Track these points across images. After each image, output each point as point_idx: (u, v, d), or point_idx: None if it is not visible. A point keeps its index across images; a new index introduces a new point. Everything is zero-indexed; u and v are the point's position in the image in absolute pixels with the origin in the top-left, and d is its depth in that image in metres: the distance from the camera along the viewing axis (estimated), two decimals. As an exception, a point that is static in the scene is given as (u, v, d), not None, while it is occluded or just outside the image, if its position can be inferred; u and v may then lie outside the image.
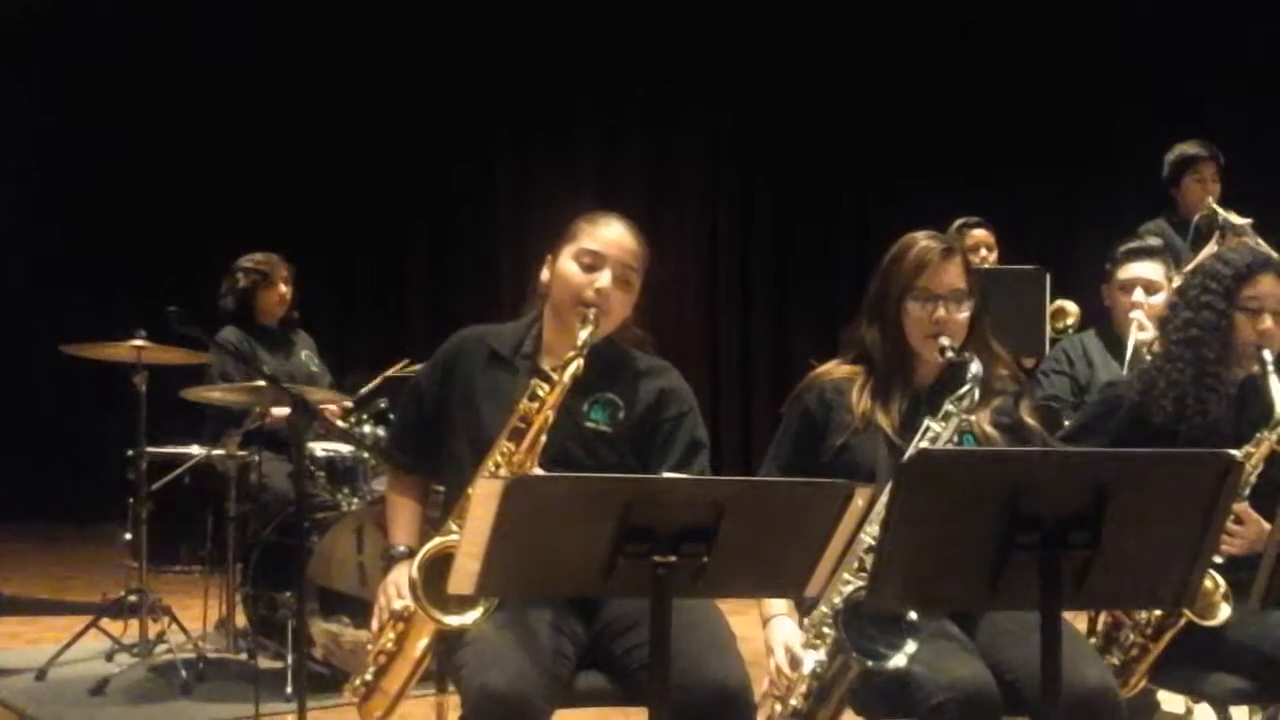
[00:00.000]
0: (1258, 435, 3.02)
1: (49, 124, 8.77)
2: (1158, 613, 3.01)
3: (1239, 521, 2.99)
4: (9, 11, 8.45)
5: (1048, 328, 5.15)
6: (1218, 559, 2.91)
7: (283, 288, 5.61)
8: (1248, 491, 3.00)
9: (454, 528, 2.76)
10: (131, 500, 5.05)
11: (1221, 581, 2.95)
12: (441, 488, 3.15)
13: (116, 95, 8.97)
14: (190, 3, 8.96)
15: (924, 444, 2.74)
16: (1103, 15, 8.75)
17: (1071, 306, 5.34)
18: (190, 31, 8.97)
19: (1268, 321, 3.15)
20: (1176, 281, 3.97)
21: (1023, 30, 9.14)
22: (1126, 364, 4.18)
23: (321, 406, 5.07)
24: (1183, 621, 2.98)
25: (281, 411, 5.15)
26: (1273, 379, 3.05)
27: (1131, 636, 3.05)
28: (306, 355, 5.72)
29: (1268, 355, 3.08)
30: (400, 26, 9.26)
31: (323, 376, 5.73)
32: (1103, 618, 3.20)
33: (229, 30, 8.94)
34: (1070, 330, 5.22)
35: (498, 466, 2.77)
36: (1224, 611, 2.95)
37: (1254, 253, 3.35)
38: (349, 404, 5.30)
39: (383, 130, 9.34)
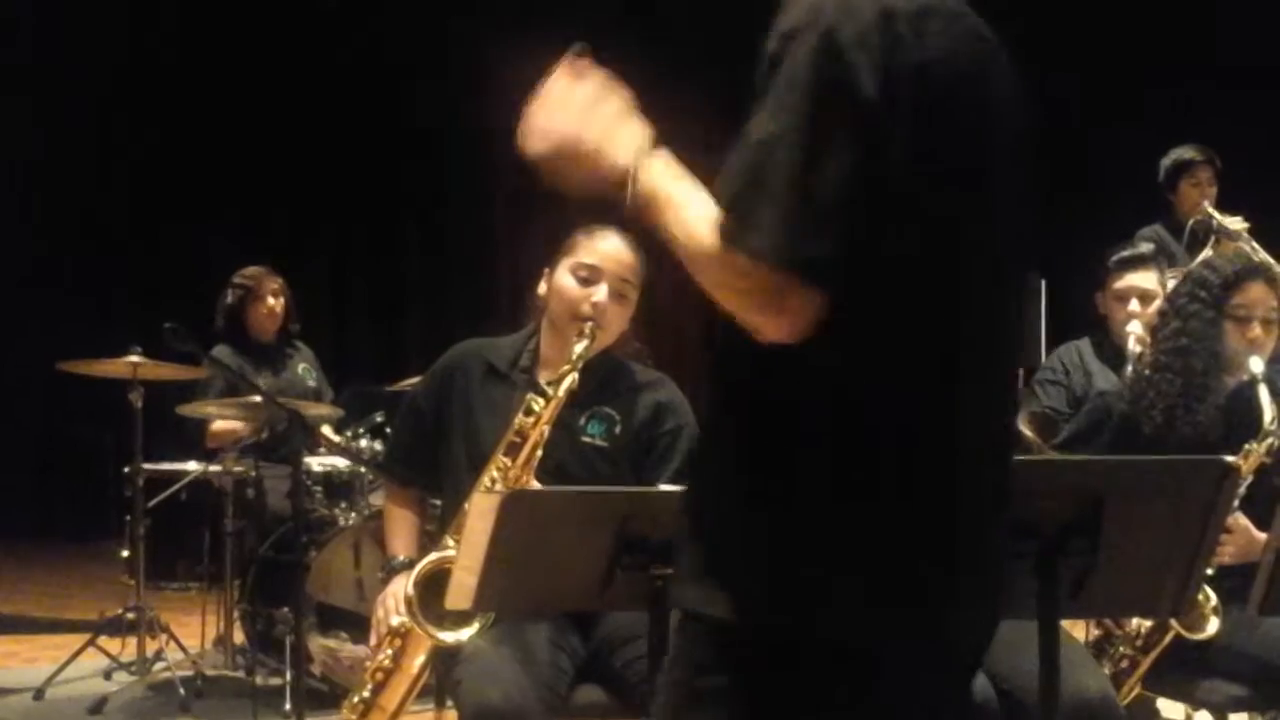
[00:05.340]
0: (1246, 447, 3.01)
1: (44, 138, 8.78)
2: (1148, 624, 3.01)
3: (1228, 530, 2.99)
4: (4, 22, 8.46)
5: (1044, 336, 5.14)
6: (1208, 570, 2.91)
7: (270, 301, 5.54)
8: (1237, 502, 2.99)
9: (450, 543, 2.76)
10: (128, 517, 5.04)
11: (1212, 595, 2.95)
12: (439, 501, 3.15)
13: (114, 110, 8.98)
14: (191, 16, 8.97)
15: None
16: (1096, 20, 8.76)
17: None
18: (189, 44, 8.98)
19: (1257, 330, 3.15)
20: (1171, 285, 3.96)
21: (1017, 35, 9.14)
22: (1127, 377, 4.17)
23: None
24: (1170, 635, 2.98)
25: (234, 425, 5.16)
26: (1261, 388, 3.04)
27: (1122, 649, 3.05)
28: (304, 369, 5.65)
29: (1256, 364, 3.08)
30: (400, 41, 9.26)
31: (323, 390, 5.69)
32: (1091, 629, 3.20)
33: (228, 44, 8.95)
34: None
35: (494, 481, 2.77)
36: (1212, 625, 2.95)
37: (1243, 260, 3.35)
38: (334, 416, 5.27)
39: (381, 142, 9.34)
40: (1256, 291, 3.18)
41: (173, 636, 5.10)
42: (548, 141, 1.68)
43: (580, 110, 1.69)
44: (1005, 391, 1.72)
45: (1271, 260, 4.83)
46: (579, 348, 2.82)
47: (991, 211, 1.64)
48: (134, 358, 4.97)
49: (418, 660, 2.82)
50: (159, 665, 5.00)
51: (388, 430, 4.91)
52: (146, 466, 5.06)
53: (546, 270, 3.00)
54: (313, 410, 4.93)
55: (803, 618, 1.55)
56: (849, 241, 1.51)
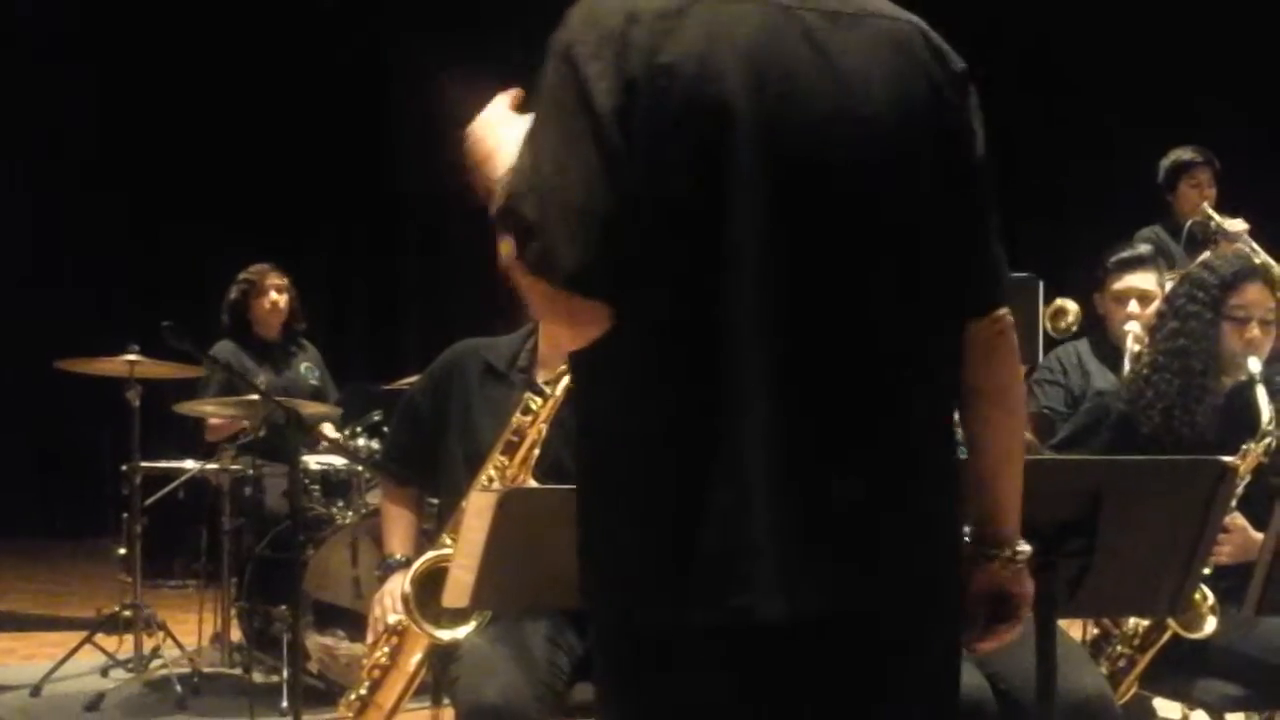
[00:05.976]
0: (1244, 447, 3.00)
1: (45, 138, 8.77)
2: (1145, 624, 3.01)
3: (1225, 530, 2.99)
4: (7, 19, 8.47)
5: (1042, 337, 5.13)
6: (1205, 570, 2.91)
7: (273, 295, 5.52)
8: (1234, 502, 2.99)
9: (448, 541, 2.76)
10: (126, 515, 5.04)
11: (1210, 594, 2.95)
12: (436, 500, 3.15)
13: (114, 110, 8.97)
14: (190, 16, 8.96)
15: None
16: (1096, 18, 8.76)
17: (1071, 305, 5.27)
18: (189, 44, 8.97)
19: (1254, 330, 3.15)
20: (1170, 286, 3.96)
21: (1012, 32, 9.14)
22: (1124, 377, 4.16)
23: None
24: (1168, 634, 2.98)
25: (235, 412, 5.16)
26: (1259, 388, 3.04)
27: (1119, 648, 3.05)
28: (306, 368, 5.61)
29: (1254, 364, 3.08)
30: (400, 41, 9.26)
31: (327, 390, 5.66)
32: (1089, 628, 3.20)
33: (228, 43, 8.95)
34: (1071, 328, 5.16)
35: (491, 480, 2.77)
36: (1210, 624, 2.95)
37: (1240, 261, 3.34)
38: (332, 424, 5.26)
39: (381, 142, 9.33)
40: (1254, 293, 3.18)
41: (170, 634, 5.10)
42: (471, 139, 1.82)
43: (502, 126, 1.80)
44: (860, 376, 1.65)
45: (1271, 261, 4.84)
46: (577, 347, 2.82)
47: (792, 194, 1.61)
48: (131, 356, 4.97)
49: (414, 658, 2.82)
50: (156, 662, 5.01)
51: (385, 429, 4.91)
52: (144, 464, 5.07)
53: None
54: (311, 408, 4.93)
55: (625, 606, 1.63)
56: (603, 247, 1.56)
